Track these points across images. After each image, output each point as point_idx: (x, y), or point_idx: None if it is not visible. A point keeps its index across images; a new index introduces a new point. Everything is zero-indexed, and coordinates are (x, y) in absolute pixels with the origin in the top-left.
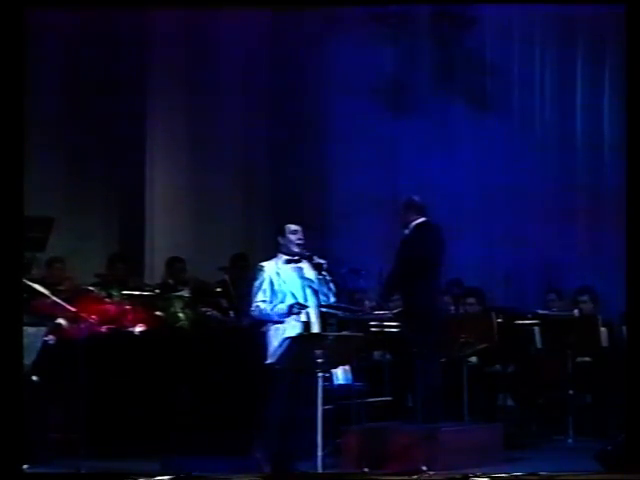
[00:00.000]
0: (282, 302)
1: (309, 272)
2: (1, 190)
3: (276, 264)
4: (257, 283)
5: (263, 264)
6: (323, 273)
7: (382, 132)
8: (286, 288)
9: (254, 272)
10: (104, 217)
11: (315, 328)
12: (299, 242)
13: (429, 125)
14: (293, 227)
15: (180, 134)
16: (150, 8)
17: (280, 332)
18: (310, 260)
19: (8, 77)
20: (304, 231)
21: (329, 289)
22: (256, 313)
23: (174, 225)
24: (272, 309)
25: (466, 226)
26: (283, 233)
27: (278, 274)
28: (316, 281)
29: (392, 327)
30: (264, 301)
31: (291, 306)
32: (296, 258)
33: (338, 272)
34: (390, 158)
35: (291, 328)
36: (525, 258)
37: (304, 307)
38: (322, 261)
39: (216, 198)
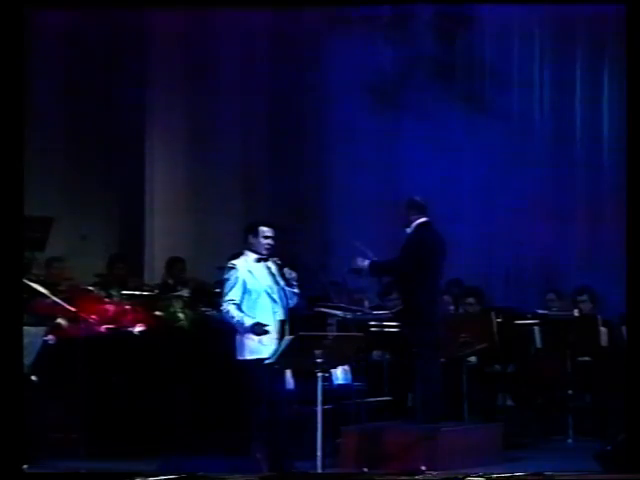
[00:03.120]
0: (256, 301)
1: (275, 272)
2: (1, 190)
3: (246, 262)
4: (230, 282)
5: (235, 262)
6: (284, 276)
7: (382, 131)
8: (259, 287)
9: (225, 270)
10: (104, 217)
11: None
12: (268, 246)
13: (429, 124)
14: (267, 232)
15: (180, 134)
16: (150, 8)
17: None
18: (281, 268)
19: (8, 77)
20: (275, 235)
21: (284, 294)
22: (224, 314)
23: (174, 225)
24: (240, 319)
25: (466, 226)
26: (256, 234)
27: (250, 272)
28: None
29: (392, 327)
30: (232, 301)
31: (254, 325)
32: (265, 257)
33: (338, 272)
34: (390, 157)
35: (269, 324)
36: (525, 258)
37: (265, 331)
38: (294, 275)
39: (216, 198)
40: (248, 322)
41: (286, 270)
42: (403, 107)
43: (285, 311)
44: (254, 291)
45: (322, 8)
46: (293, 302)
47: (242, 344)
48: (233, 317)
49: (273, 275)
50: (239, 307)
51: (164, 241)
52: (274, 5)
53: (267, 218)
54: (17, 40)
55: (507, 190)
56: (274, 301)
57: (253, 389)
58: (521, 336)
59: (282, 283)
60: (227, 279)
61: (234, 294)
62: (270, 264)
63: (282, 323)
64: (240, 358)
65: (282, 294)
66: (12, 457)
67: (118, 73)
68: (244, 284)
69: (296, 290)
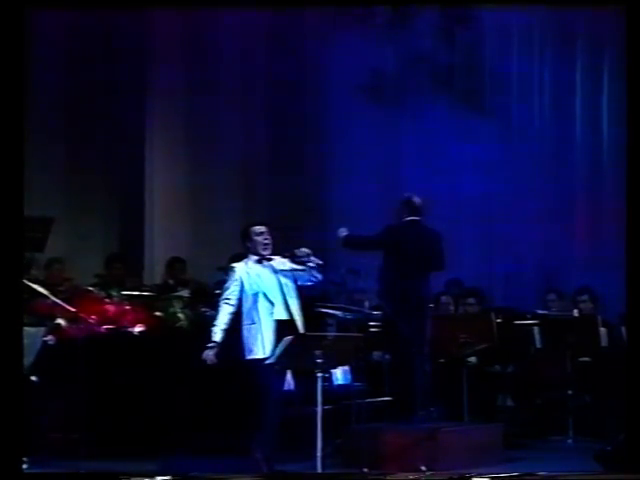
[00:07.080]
0: (254, 303)
1: (283, 267)
2: (1, 190)
3: (246, 264)
4: (227, 283)
5: (234, 265)
6: (309, 264)
7: (381, 131)
8: (257, 288)
9: (227, 273)
10: (104, 217)
11: (299, 324)
12: (266, 242)
13: (429, 125)
14: (258, 229)
15: (180, 134)
16: (150, 8)
17: (254, 330)
18: (293, 257)
19: (8, 77)
20: (270, 231)
21: (317, 272)
22: (217, 311)
23: (174, 225)
24: (212, 329)
25: (466, 226)
26: (249, 236)
27: (248, 274)
28: (300, 272)
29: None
30: (227, 301)
31: (209, 347)
32: (266, 257)
33: (338, 272)
34: (389, 157)
35: (267, 326)
36: (525, 258)
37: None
38: (306, 251)
39: (216, 198)
40: (216, 338)
41: (296, 250)
42: (403, 107)
43: (287, 310)
44: (252, 292)
45: (322, 8)
46: (316, 278)
47: (248, 343)
48: (214, 324)
49: (277, 272)
50: (234, 311)
51: (164, 241)
52: (274, 5)
53: (257, 219)
54: (17, 40)
55: (507, 190)
56: (271, 303)
57: (258, 387)
58: (521, 336)
59: (298, 268)
60: (226, 280)
61: (229, 293)
62: (275, 263)
63: (279, 323)
64: (249, 357)
65: (282, 295)
66: (12, 457)
67: (118, 73)
68: (241, 285)
69: (312, 264)
